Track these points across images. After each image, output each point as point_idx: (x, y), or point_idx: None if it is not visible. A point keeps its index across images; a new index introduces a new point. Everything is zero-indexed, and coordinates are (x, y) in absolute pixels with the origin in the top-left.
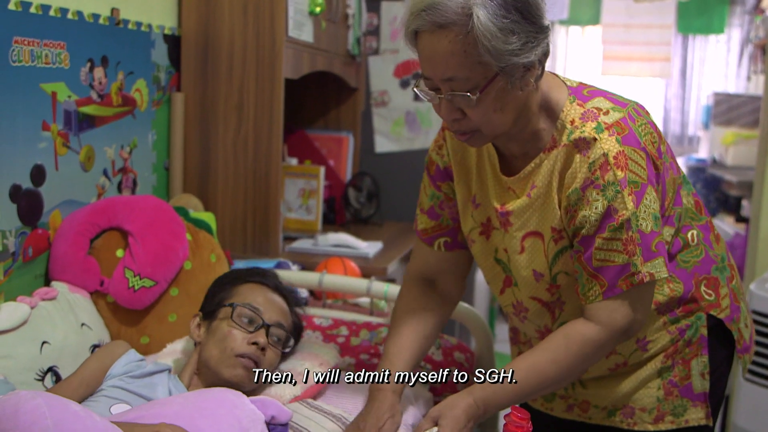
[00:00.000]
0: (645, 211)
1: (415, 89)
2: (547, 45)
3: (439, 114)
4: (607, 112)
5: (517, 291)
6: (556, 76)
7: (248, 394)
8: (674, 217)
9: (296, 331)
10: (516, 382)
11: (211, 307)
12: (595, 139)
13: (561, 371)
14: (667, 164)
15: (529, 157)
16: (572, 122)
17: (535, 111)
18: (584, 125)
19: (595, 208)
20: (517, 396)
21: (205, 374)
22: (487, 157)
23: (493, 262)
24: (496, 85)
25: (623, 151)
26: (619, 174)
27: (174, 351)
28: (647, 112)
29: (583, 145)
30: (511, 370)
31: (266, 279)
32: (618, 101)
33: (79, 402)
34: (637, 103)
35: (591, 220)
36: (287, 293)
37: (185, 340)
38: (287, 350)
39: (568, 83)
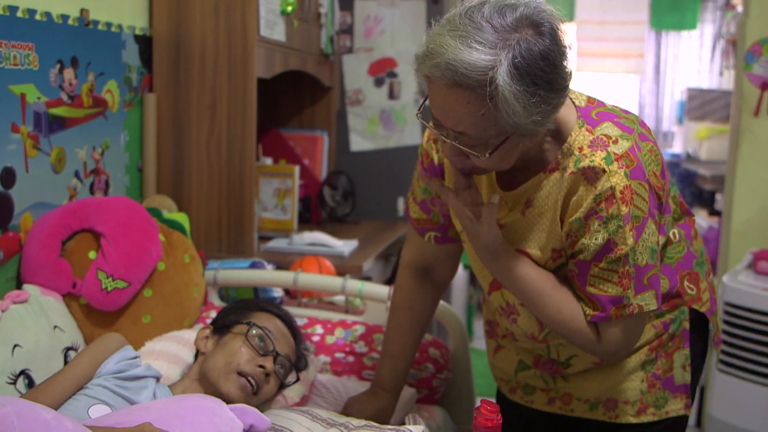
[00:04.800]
0: (643, 245)
1: (419, 118)
2: (566, 97)
3: (442, 149)
4: (616, 141)
5: (507, 294)
6: None
7: None
8: (665, 226)
9: (297, 369)
10: (530, 282)
11: (224, 323)
12: (604, 171)
13: (548, 318)
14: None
15: (528, 172)
16: (580, 149)
17: (541, 136)
18: (594, 155)
19: (596, 239)
20: (514, 277)
21: (203, 383)
22: None
23: (481, 265)
24: (508, 144)
25: (630, 185)
26: (623, 209)
27: (152, 351)
28: (649, 130)
29: (592, 174)
30: (537, 274)
31: (281, 312)
32: (625, 126)
33: (68, 398)
34: (640, 123)
35: (590, 248)
36: (297, 333)
37: (162, 339)
38: (288, 383)
39: (577, 102)
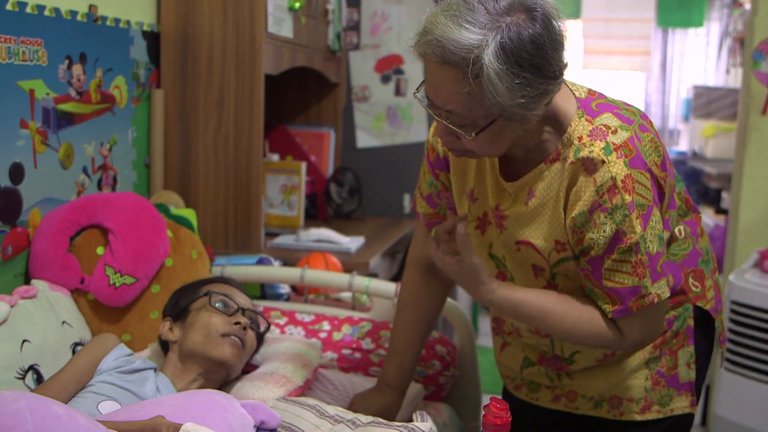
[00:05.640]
0: (651, 233)
1: (416, 96)
2: (559, 87)
3: (435, 128)
4: (615, 131)
5: None
6: (565, 83)
7: (234, 383)
8: (670, 221)
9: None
10: (532, 303)
11: (179, 309)
12: (603, 161)
13: (566, 332)
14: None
15: (531, 163)
16: (580, 139)
17: (539, 125)
18: (593, 144)
19: (603, 231)
20: (516, 303)
21: (191, 363)
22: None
23: (487, 257)
24: (495, 126)
25: (630, 174)
26: (627, 198)
27: (156, 349)
28: (650, 123)
29: (590, 165)
30: (536, 295)
31: (227, 279)
32: (625, 118)
33: (70, 398)
34: (641, 116)
35: (599, 243)
36: (247, 294)
37: None
38: (263, 331)
39: (577, 94)
